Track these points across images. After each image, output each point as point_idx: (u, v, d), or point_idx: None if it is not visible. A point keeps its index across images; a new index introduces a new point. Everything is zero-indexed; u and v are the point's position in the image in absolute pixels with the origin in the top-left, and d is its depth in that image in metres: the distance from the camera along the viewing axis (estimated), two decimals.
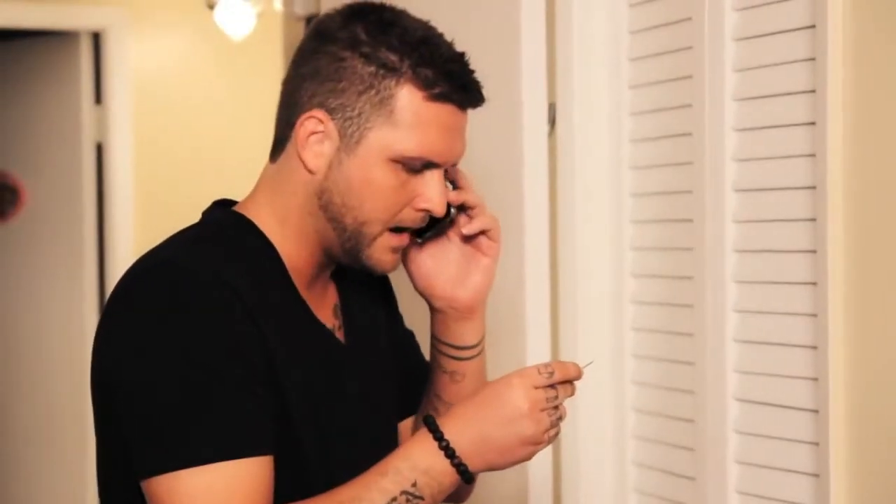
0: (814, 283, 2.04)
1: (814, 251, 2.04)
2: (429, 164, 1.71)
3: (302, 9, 4.94)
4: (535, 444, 1.65)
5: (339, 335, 1.81)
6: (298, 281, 1.75)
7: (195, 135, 5.55)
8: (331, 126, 1.69)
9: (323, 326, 1.77)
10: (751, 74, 2.17)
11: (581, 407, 2.57)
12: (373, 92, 1.68)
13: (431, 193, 1.72)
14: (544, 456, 2.58)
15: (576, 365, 1.67)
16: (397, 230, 1.73)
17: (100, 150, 5.49)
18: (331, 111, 1.69)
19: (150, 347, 1.59)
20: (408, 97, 1.68)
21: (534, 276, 2.56)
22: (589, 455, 2.59)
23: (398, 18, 1.71)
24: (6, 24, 5.36)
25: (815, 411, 2.04)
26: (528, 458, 1.67)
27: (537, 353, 2.57)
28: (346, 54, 1.69)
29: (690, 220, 2.31)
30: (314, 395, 1.71)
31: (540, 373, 1.64)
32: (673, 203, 2.41)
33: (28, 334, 5.60)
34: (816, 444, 2.04)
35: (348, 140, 1.69)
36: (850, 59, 1.96)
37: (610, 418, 2.58)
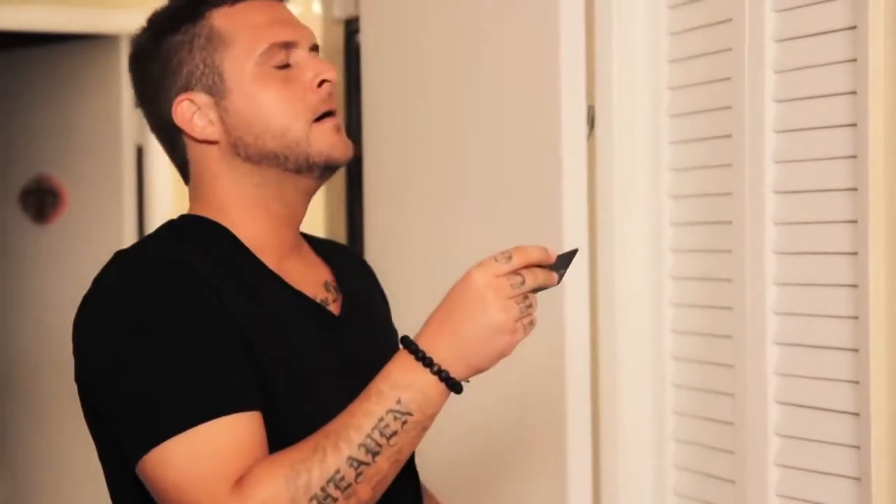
0: (855, 286, 2.03)
1: (855, 253, 2.03)
2: (285, 45, 1.76)
3: (341, 11, 4.94)
4: (511, 332, 1.60)
5: (335, 308, 1.81)
6: (268, 258, 1.77)
7: None
8: (198, 96, 1.75)
9: (307, 298, 1.78)
10: (791, 76, 2.16)
11: (621, 409, 2.56)
12: (197, 41, 1.76)
13: (314, 66, 1.77)
14: (583, 456, 2.57)
15: (540, 248, 1.62)
16: (320, 119, 1.76)
17: (140, 152, 5.52)
18: (186, 88, 1.76)
19: (114, 333, 1.64)
20: (220, 18, 1.76)
21: (573, 279, 2.55)
22: (629, 457, 2.58)
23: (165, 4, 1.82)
24: (47, 28, 5.39)
25: (857, 414, 2.03)
26: (508, 349, 1.62)
27: (576, 356, 2.57)
28: (158, 45, 1.78)
29: (730, 223, 2.30)
30: (297, 364, 1.71)
31: (497, 260, 1.60)
32: (712, 205, 2.40)
33: (68, 335, 5.63)
34: (858, 447, 2.03)
35: (216, 89, 1.75)
36: (891, 60, 1.95)
37: (649, 421, 2.57)
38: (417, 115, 3.01)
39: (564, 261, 1.65)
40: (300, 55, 1.78)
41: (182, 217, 1.82)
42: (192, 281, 1.65)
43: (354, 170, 5.16)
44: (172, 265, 1.66)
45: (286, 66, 1.76)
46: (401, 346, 1.63)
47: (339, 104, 1.84)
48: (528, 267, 1.61)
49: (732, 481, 2.31)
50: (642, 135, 2.55)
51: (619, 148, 2.56)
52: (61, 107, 5.65)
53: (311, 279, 1.82)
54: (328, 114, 1.77)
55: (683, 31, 2.47)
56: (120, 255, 1.73)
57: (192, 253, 1.70)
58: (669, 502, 2.54)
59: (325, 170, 1.78)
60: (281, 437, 1.64)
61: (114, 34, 5.48)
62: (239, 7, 1.77)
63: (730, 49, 2.29)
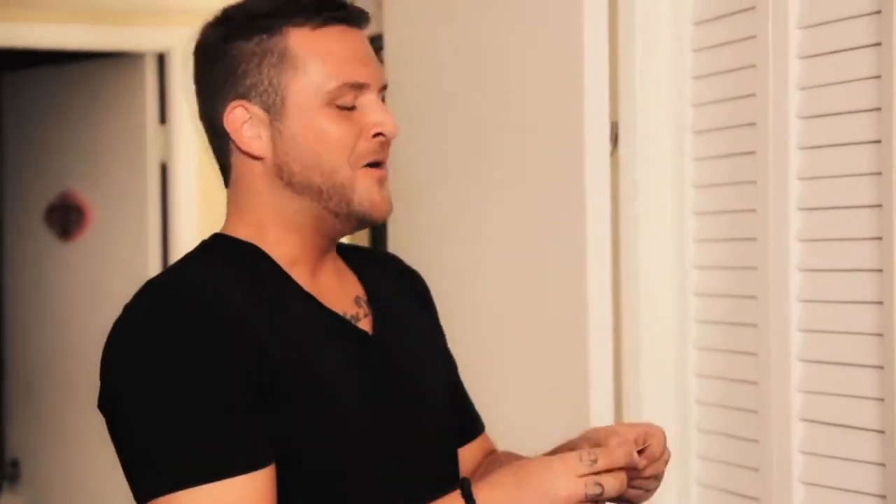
0: (880, 303, 2.02)
1: (880, 270, 2.02)
2: (356, 87, 1.70)
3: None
4: None
5: (365, 324, 1.78)
6: (301, 274, 1.74)
7: None
8: (254, 108, 1.71)
9: (336, 315, 1.74)
10: (815, 92, 2.16)
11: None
12: (269, 56, 1.70)
13: (377, 117, 1.72)
14: None
15: (627, 451, 1.59)
16: (370, 166, 1.72)
17: (164, 169, 5.54)
18: (245, 96, 1.71)
19: (136, 379, 1.62)
20: (297, 39, 1.70)
21: (596, 297, 2.55)
22: None
23: (245, 1, 1.75)
24: (73, 46, 5.41)
25: (881, 399, 2.02)
26: None
27: (599, 370, 2.56)
28: (228, 47, 1.72)
29: (754, 239, 2.29)
30: (325, 386, 1.68)
31: (582, 460, 1.56)
32: (737, 222, 2.40)
33: (91, 353, 5.65)
34: (882, 432, 2.02)
35: (275, 109, 1.70)
36: None
37: (674, 437, 2.56)
38: (440, 132, 3.01)
39: None
40: (368, 99, 1.72)
41: (216, 238, 1.79)
42: (213, 329, 1.61)
43: None
44: (197, 309, 1.62)
45: (352, 107, 1.72)
46: (458, 488, 1.62)
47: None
48: (609, 470, 1.58)
49: (757, 499, 2.31)
50: (666, 151, 2.55)
51: (643, 164, 2.56)
52: (86, 124, 5.67)
53: (342, 294, 1.79)
54: (376, 164, 1.73)
55: (707, 48, 2.47)
56: (150, 287, 1.69)
57: (222, 279, 1.68)
58: (693, 492, 2.53)
59: (361, 223, 1.75)
60: (308, 459, 1.64)
61: (139, 52, 5.50)
62: (319, 33, 1.71)
63: (754, 65, 2.28)
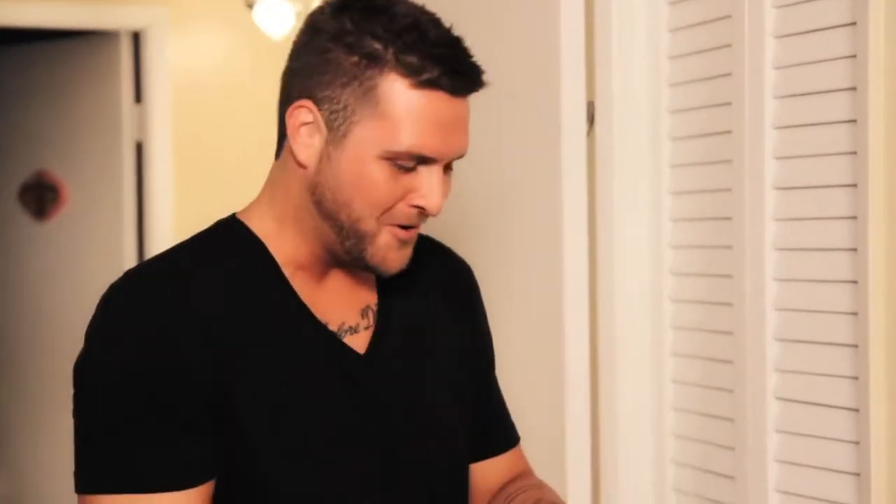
0: (854, 282, 2.03)
1: (854, 249, 2.03)
2: (423, 160, 1.60)
3: None
4: None
5: (363, 338, 1.70)
6: (302, 280, 1.68)
7: (234, 133, 5.57)
8: (319, 117, 1.61)
9: (324, 331, 1.67)
10: (791, 72, 2.16)
11: (620, 405, 2.56)
12: (356, 83, 1.59)
13: (427, 191, 1.62)
14: (583, 452, 2.57)
15: None
16: (400, 226, 1.64)
17: (139, 148, 5.52)
18: (318, 102, 1.61)
19: (92, 366, 1.60)
20: (392, 86, 1.58)
21: (572, 275, 2.55)
22: (628, 453, 2.58)
23: (388, 6, 1.61)
24: (47, 24, 5.39)
25: (856, 410, 2.03)
26: None
27: (576, 352, 2.57)
28: (331, 46, 1.60)
29: (730, 219, 2.30)
30: (294, 415, 1.61)
31: None
32: (712, 201, 2.40)
33: (68, 333, 5.64)
34: (857, 442, 2.03)
35: (335, 133, 1.61)
36: (891, 56, 1.95)
37: (649, 416, 2.57)
38: None
39: None
40: (429, 170, 1.61)
41: (232, 223, 1.72)
42: (171, 338, 1.56)
43: None
44: (161, 313, 1.58)
45: (411, 168, 1.61)
46: None
47: None
48: None
49: (732, 477, 2.32)
50: (642, 131, 2.55)
51: (619, 144, 2.56)
52: (61, 103, 5.65)
53: (348, 303, 1.71)
54: (407, 226, 1.65)
55: (683, 28, 2.47)
56: (128, 275, 1.65)
57: (208, 278, 1.62)
58: (669, 498, 2.54)
59: (366, 269, 1.68)
60: (251, 488, 1.60)
61: (114, 31, 5.48)
62: (420, 93, 1.58)
63: (729, 45, 2.29)
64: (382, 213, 1.62)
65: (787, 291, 2.19)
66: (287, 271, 1.67)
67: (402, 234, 1.64)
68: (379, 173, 1.60)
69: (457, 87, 1.60)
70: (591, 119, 2.60)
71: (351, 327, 1.71)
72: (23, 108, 5.76)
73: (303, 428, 1.62)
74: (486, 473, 1.86)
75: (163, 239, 5.46)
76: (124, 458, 1.56)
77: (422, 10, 1.63)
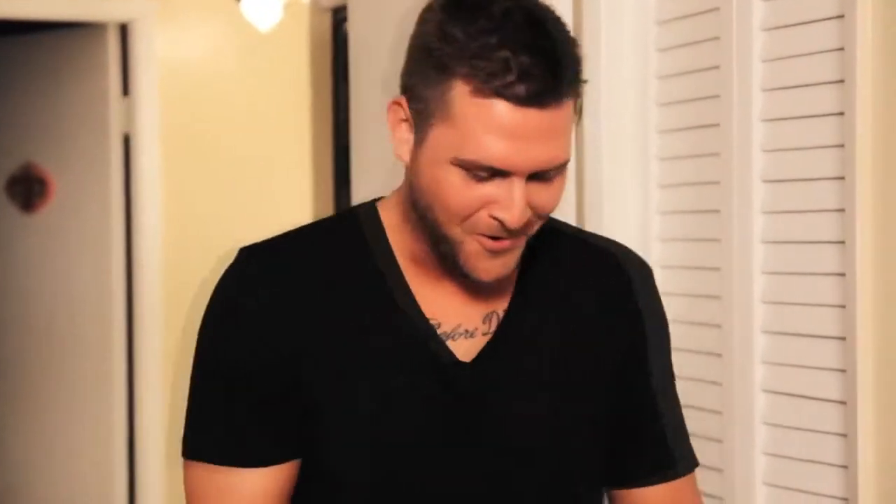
0: (842, 274, 2.03)
1: (842, 242, 2.03)
2: (495, 171, 1.50)
3: (328, 0, 4.93)
4: None
5: (474, 345, 1.61)
6: (419, 276, 1.61)
7: (222, 126, 5.56)
8: (409, 115, 1.56)
9: (427, 331, 1.60)
10: (779, 64, 2.16)
11: None
12: (435, 86, 1.52)
13: (506, 204, 1.51)
14: None
15: None
16: (487, 236, 1.54)
17: (127, 141, 5.51)
18: (410, 100, 1.55)
19: (198, 338, 1.65)
20: (459, 93, 1.50)
21: None
22: None
23: (487, 4, 1.51)
24: (34, 16, 5.38)
25: (843, 402, 2.04)
26: None
27: None
28: (421, 43, 1.55)
29: (718, 211, 2.30)
30: (367, 413, 1.58)
31: None
32: (700, 194, 2.41)
33: (56, 326, 5.62)
34: (844, 435, 2.03)
35: (419, 134, 1.54)
36: (879, 48, 1.95)
37: None
38: None
39: None
40: (509, 182, 1.51)
41: (369, 208, 1.67)
42: (257, 322, 1.58)
43: (342, 157, 5.16)
44: (255, 296, 1.59)
45: (490, 177, 1.51)
46: None
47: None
48: None
49: (720, 469, 2.32)
50: (630, 123, 2.55)
51: (607, 136, 2.56)
52: (48, 95, 5.64)
53: (470, 306, 1.63)
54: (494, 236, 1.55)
55: (671, 20, 2.47)
56: (240, 252, 1.65)
57: (314, 264, 1.62)
58: None
59: (461, 274, 1.59)
60: (329, 482, 1.62)
61: (102, 22, 5.46)
62: (484, 101, 1.49)
63: (718, 38, 2.29)
64: (462, 221, 1.53)
65: (775, 284, 2.19)
66: (403, 264, 1.62)
67: (490, 244, 1.55)
68: (453, 179, 1.52)
69: (523, 97, 1.48)
70: (578, 111, 2.59)
71: (467, 331, 1.63)
72: (9, 101, 5.75)
73: (374, 420, 1.59)
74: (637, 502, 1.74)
75: (151, 232, 5.45)
76: (215, 428, 1.61)
77: (526, 10, 1.52)
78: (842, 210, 2.03)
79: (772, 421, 2.20)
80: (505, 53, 1.48)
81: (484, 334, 1.63)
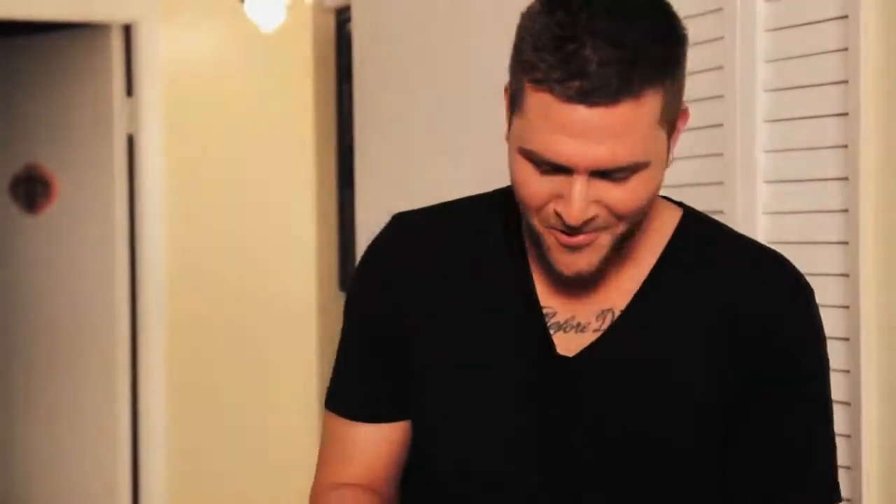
0: (846, 275, 2.03)
1: (846, 242, 2.03)
2: (556, 167, 1.47)
3: (331, 0, 4.93)
4: None
5: (583, 340, 1.57)
6: (544, 264, 1.56)
7: (226, 126, 5.56)
8: (506, 101, 1.56)
9: (540, 317, 1.57)
10: (782, 65, 2.16)
11: None
12: (515, 75, 1.51)
13: (566, 199, 1.48)
14: None
15: None
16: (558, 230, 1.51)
17: (131, 141, 5.51)
18: (509, 86, 1.54)
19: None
20: (528, 84, 1.48)
21: None
22: None
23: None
24: (37, 16, 5.38)
25: (848, 403, 2.03)
26: None
27: None
28: (517, 31, 1.52)
29: (722, 212, 2.30)
30: (464, 387, 1.58)
31: None
32: (704, 194, 2.40)
33: (60, 324, 5.63)
34: (849, 436, 2.03)
35: (510, 121, 1.54)
36: (883, 49, 1.95)
37: None
38: (408, 103, 3.00)
39: None
40: (573, 179, 1.47)
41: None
42: (381, 282, 1.63)
43: (346, 156, 5.15)
44: (388, 261, 1.64)
45: (549, 171, 1.49)
46: None
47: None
48: None
49: None
50: None
51: None
52: (52, 96, 5.65)
53: (590, 300, 1.58)
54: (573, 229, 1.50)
55: None
56: (392, 218, 1.71)
57: (451, 235, 1.63)
58: None
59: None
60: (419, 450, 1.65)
61: (106, 23, 5.47)
62: (538, 95, 1.46)
63: (721, 38, 2.28)
64: (537, 213, 1.51)
65: None
66: (531, 250, 1.59)
67: (563, 238, 1.51)
68: (521, 167, 1.51)
69: (571, 94, 1.45)
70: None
71: (580, 324, 1.58)
72: (13, 102, 5.75)
73: (464, 397, 1.59)
74: None
75: (154, 231, 5.46)
76: (340, 381, 1.68)
77: (609, 1, 1.47)
78: (846, 210, 2.03)
79: None
80: (568, 46, 1.44)
81: (595, 331, 1.57)
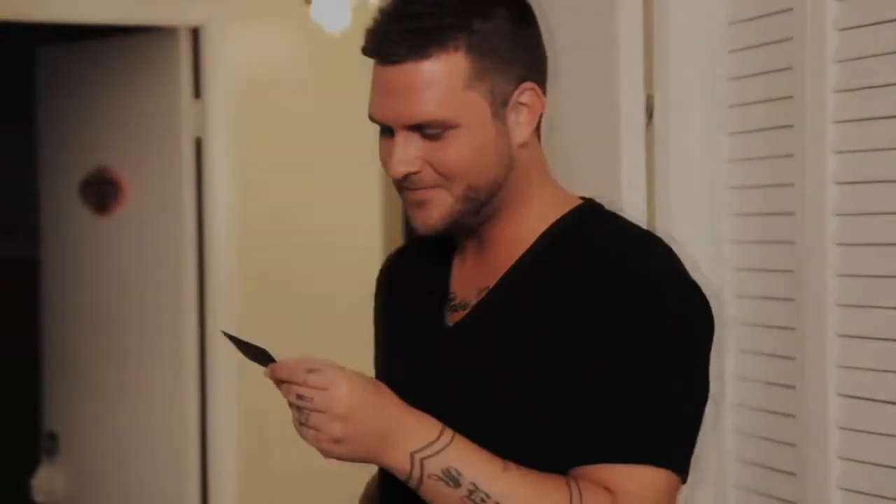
0: None
1: None
2: (384, 128, 1.78)
3: None
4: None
5: (462, 314, 1.86)
6: (462, 254, 1.91)
7: (294, 128, 5.58)
8: None
9: (443, 300, 1.89)
10: (853, 65, 2.14)
11: None
12: None
13: (390, 155, 1.78)
14: None
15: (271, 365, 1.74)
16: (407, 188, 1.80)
17: (199, 144, 5.54)
18: None
19: None
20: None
21: None
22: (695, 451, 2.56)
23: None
24: (108, 20, 5.42)
25: None
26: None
27: None
28: None
29: (791, 213, 2.28)
30: (395, 373, 1.91)
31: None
32: (773, 196, 2.39)
33: (126, 330, 5.67)
34: None
35: None
36: None
37: (709, 413, 2.55)
38: None
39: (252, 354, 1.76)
40: (390, 138, 1.80)
41: None
42: (379, 286, 2.05)
43: None
44: (383, 265, 2.08)
45: (383, 133, 1.82)
46: None
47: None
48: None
49: (794, 473, 2.30)
50: (701, 125, 2.53)
51: (678, 138, 2.54)
52: (121, 98, 5.69)
53: (474, 281, 1.87)
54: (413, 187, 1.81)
55: (743, 21, 2.45)
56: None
57: (417, 245, 2.02)
58: (730, 495, 2.52)
59: None
60: None
61: (174, 26, 5.50)
62: (369, 62, 1.81)
63: (790, 38, 2.26)
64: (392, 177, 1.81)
65: (849, 286, 2.17)
66: (458, 241, 1.91)
67: (408, 195, 1.80)
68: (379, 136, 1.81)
69: (373, 53, 1.77)
70: (649, 112, 2.58)
71: (466, 303, 1.87)
72: (83, 104, 5.80)
73: (390, 373, 1.92)
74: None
75: (222, 233, 5.48)
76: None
77: None
78: None
79: (846, 425, 2.18)
80: (373, 20, 1.77)
81: (471, 308, 1.85)
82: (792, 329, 2.29)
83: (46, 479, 5.86)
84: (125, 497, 5.73)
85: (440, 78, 1.72)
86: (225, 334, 1.79)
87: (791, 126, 2.27)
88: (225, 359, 5.44)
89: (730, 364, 2.52)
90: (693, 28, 2.53)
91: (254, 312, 5.49)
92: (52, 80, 5.95)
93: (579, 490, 1.71)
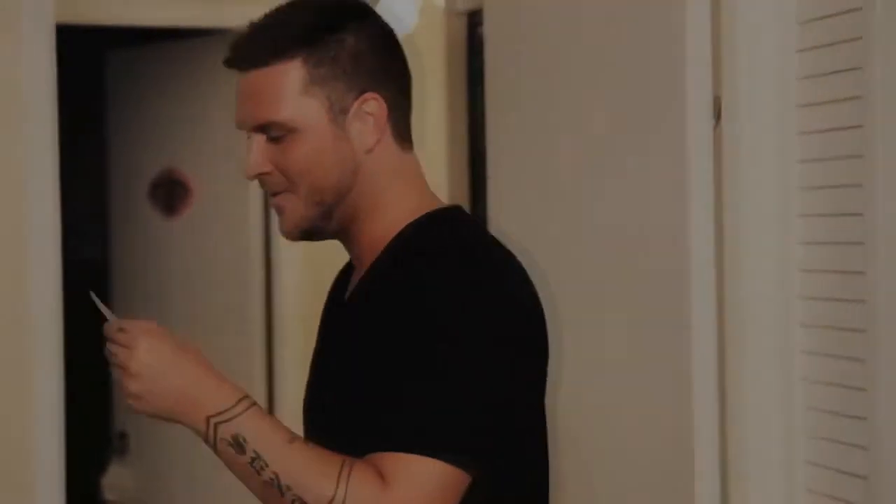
0: None
1: None
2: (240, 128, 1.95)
3: (463, 3, 4.94)
4: None
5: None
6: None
7: None
8: None
9: (340, 297, 2.02)
10: None
11: (749, 404, 2.53)
12: None
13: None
14: (711, 452, 2.54)
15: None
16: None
17: None
18: None
19: None
20: None
21: (699, 273, 2.53)
22: (758, 453, 2.55)
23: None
24: (176, 22, 5.46)
25: None
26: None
27: (703, 351, 2.54)
28: None
29: (861, 214, 2.26)
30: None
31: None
32: (843, 196, 2.37)
33: (194, 331, 5.71)
34: None
35: None
36: None
37: (779, 415, 2.54)
38: (542, 108, 2.99)
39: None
40: (249, 140, 1.96)
41: None
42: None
43: (478, 167, 5.15)
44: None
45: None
46: None
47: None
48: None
49: (865, 477, 2.28)
50: (770, 126, 2.52)
51: (746, 139, 2.53)
52: (189, 101, 5.72)
53: (355, 279, 2.00)
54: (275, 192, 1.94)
55: (813, 20, 2.43)
56: None
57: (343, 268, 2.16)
58: (800, 499, 2.51)
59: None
60: None
61: (238, 29, 5.54)
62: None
63: (860, 38, 2.24)
64: None
65: None
66: None
67: (271, 201, 1.95)
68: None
69: (230, 66, 1.98)
70: (717, 114, 2.57)
71: (347, 301, 2.00)
72: (152, 106, 5.85)
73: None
74: None
75: None
76: None
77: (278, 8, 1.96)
78: None
79: None
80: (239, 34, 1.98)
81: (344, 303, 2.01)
82: (863, 331, 2.28)
83: (117, 479, 5.91)
84: (192, 496, 5.76)
85: (279, 83, 1.90)
86: (92, 296, 2.00)
87: (861, 126, 2.25)
88: (292, 366, 5.46)
89: (798, 366, 2.50)
90: (761, 27, 2.51)
91: (320, 309, 5.51)
92: (121, 83, 6.00)
93: (350, 469, 1.77)
